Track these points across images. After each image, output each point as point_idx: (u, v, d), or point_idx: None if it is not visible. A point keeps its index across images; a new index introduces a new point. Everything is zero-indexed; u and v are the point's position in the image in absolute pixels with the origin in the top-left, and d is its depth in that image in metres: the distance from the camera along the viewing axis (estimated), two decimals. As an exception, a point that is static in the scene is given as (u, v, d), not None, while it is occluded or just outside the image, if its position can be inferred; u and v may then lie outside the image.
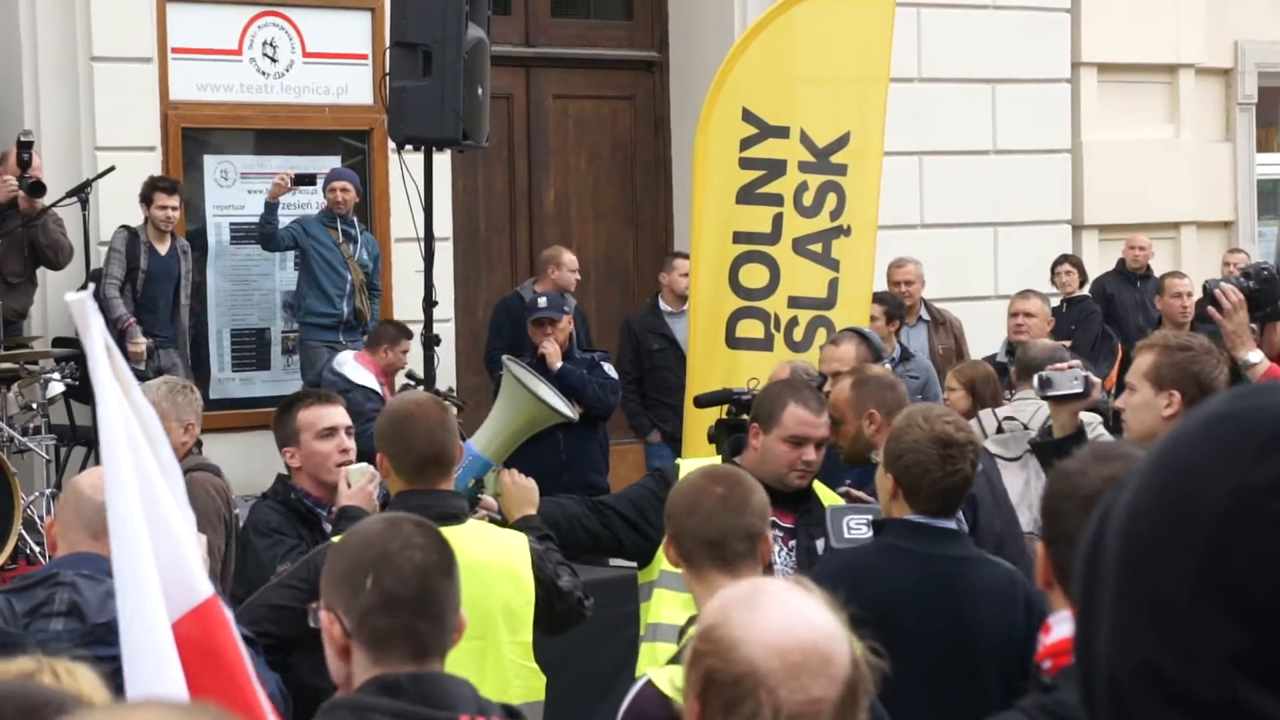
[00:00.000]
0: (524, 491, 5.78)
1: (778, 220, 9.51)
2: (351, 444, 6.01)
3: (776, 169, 9.52)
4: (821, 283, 9.58)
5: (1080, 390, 6.01)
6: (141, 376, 10.72)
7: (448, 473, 5.11)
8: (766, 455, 5.79)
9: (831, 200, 9.60)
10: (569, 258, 11.92)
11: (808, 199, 9.56)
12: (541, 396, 6.32)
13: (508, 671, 5.15)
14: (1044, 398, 6.24)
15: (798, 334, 9.53)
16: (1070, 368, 6.12)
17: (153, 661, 3.13)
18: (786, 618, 2.62)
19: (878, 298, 11.66)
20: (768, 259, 9.49)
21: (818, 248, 9.58)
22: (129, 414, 3.24)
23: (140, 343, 10.80)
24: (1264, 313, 6.41)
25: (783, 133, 9.53)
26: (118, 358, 3.25)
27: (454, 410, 5.21)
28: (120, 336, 10.73)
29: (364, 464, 5.76)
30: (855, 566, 4.89)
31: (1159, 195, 15.30)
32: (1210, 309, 6.38)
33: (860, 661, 2.62)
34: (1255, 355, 6.19)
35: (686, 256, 12.10)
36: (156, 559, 3.18)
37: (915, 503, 4.85)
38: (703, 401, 8.45)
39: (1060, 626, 3.08)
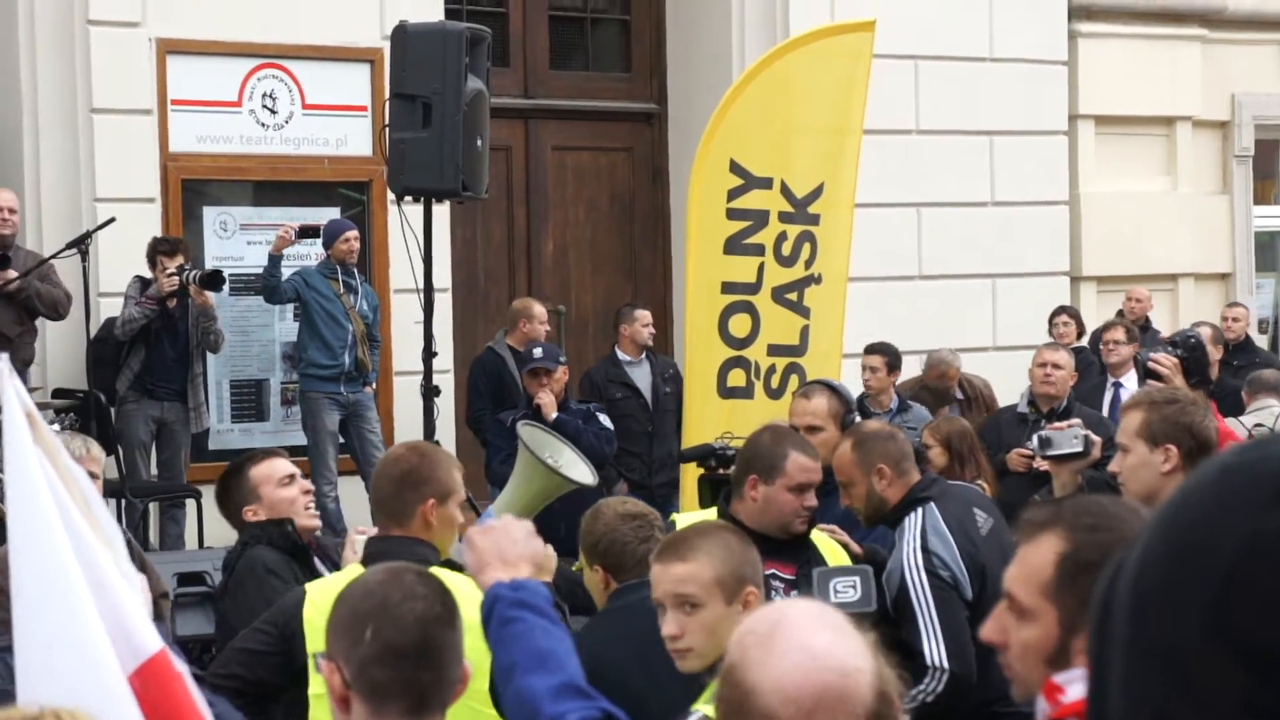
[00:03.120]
0: (545, 560, 5.77)
1: (760, 270, 9.59)
2: (311, 486, 6.05)
3: (760, 219, 9.60)
4: (795, 330, 9.66)
5: (1080, 450, 6.00)
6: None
7: (399, 522, 5.10)
8: (769, 505, 5.81)
9: (806, 250, 9.69)
10: (539, 309, 11.96)
11: (786, 248, 9.64)
12: (554, 466, 6.34)
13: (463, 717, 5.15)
14: (1044, 458, 6.22)
15: (774, 381, 9.60)
16: (1070, 426, 6.10)
17: (114, 715, 3.14)
18: (802, 659, 2.62)
19: (878, 348, 11.68)
20: (751, 308, 9.56)
21: (794, 296, 9.66)
22: (54, 479, 3.24)
23: (164, 280, 10.90)
24: (1193, 381, 6.40)
25: (766, 184, 9.60)
26: (40, 423, 3.26)
27: (424, 470, 5.23)
28: (159, 304, 10.94)
29: (365, 535, 5.78)
30: None
31: (1156, 247, 15.33)
32: (1149, 380, 6.40)
33: (887, 688, 2.62)
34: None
35: (643, 307, 12.23)
36: (102, 619, 3.19)
37: (624, 579, 5.09)
38: (685, 457, 8.47)
39: (1073, 687, 3.06)
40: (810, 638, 2.66)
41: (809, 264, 9.70)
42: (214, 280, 10.98)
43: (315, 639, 4.90)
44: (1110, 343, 12.00)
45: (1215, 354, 12.60)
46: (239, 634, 5.18)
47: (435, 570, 5.07)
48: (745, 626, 2.76)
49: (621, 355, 12.03)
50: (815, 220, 9.69)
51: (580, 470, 6.55)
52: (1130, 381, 11.53)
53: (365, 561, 5.13)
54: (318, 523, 5.89)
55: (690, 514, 6.36)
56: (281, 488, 5.90)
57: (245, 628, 5.24)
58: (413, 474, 5.11)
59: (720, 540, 4.33)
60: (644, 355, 12.00)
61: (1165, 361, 6.35)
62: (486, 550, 3.76)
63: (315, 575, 5.70)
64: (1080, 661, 3.10)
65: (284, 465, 5.98)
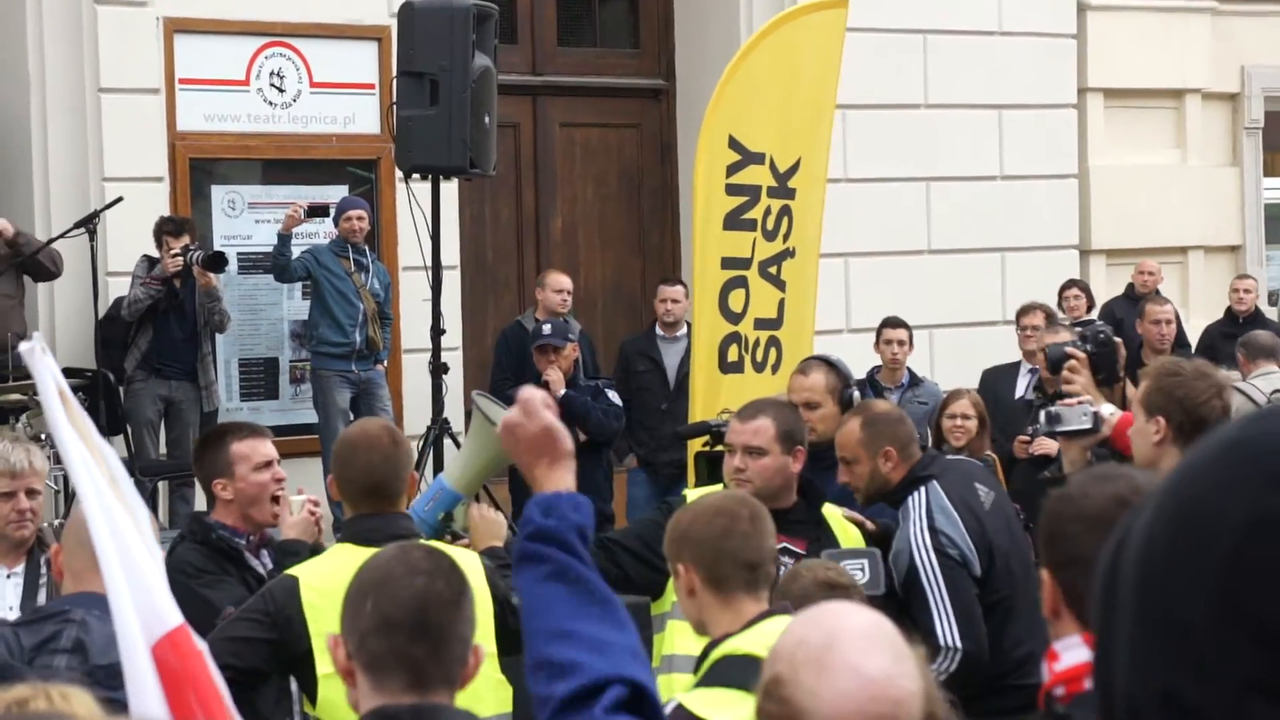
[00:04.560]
0: (491, 525, 5.83)
1: (753, 245, 9.61)
2: (284, 474, 6.05)
3: (755, 195, 9.61)
4: (774, 304, 9.67)
5: (1089, 426, 5.99)
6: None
7: (391, 500, 5.16)
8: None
9: (785, 224, 9.70)
10: (553, 279, 11.86)
11: (770, 223, 9.67)
12: None
13: (479, 684, 5.17)
14: (1052, 434, 6.21)
15: (759, 355, 9.63)
16: (1080, 403, 6.09)
17: (136, 685, 3.19)
18: (857, 686, 2.57)
19: (899, 322, 11.68)
20: (745, 283, 9.58)
21: (774, 270, 9.69)
22: (87, 456, 3.31)
23: (169, 260, 10.93)
24: (1101, 378, 6.37)
25: (760, 159, 9.62)
26: (72, 403, 3.32)
27: (404, 444, 5.26)
28: (165, 280, 10.97)
29: (303, 496, 5.82)
30: None
31: (1166, 220, 15.30)
32: (1065, 373, 6.38)
33: (935, 710, 2.60)
34: (1107, 409, 6.16)
35: (672, 283, 12.12)
36: (131, 588, 3.24)
37: None
38: (683, 434, 8.47)
39: (1069, 653, 3.05)
40: (865, 662, 2.61)
41: (786, 238, 9.72)
42: (217, 261, 10.98)
43: (318, 620, 4.93)
44: (1028, 328, 11.60)
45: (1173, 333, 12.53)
46: (219, 625, 5.15)
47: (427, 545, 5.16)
48: (796, 636, 2.69)
49: (658, 330, 11.99)
50: (792, 194, 9.71)
51: None
52: None
53: (355, 539, 5.11)
54: (274, 519, 5.85)
55: (696, 490, 6.35)
56: (256, 471, 5.81)
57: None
58: (402, 450, 5.21)
59: (782, 407, 5.89)
60: (683, 332, 11.81)
61: (1075, 354, 6.33)
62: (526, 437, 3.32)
63: (248, 571, 5.71)
64: (1070, 627, 3.09)
65: (266, 448, 5.88)
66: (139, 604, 3.31)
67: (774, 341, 9.59)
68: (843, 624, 2.69)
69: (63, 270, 10.87)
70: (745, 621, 4.20)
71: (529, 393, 3.26)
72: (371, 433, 5.28)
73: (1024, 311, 11.95)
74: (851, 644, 2.63)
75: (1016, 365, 11.62)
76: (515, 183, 13.51)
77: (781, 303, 9.68)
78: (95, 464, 3.40)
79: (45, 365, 3.33)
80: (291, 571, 5.19)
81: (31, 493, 5.94)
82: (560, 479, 3.21)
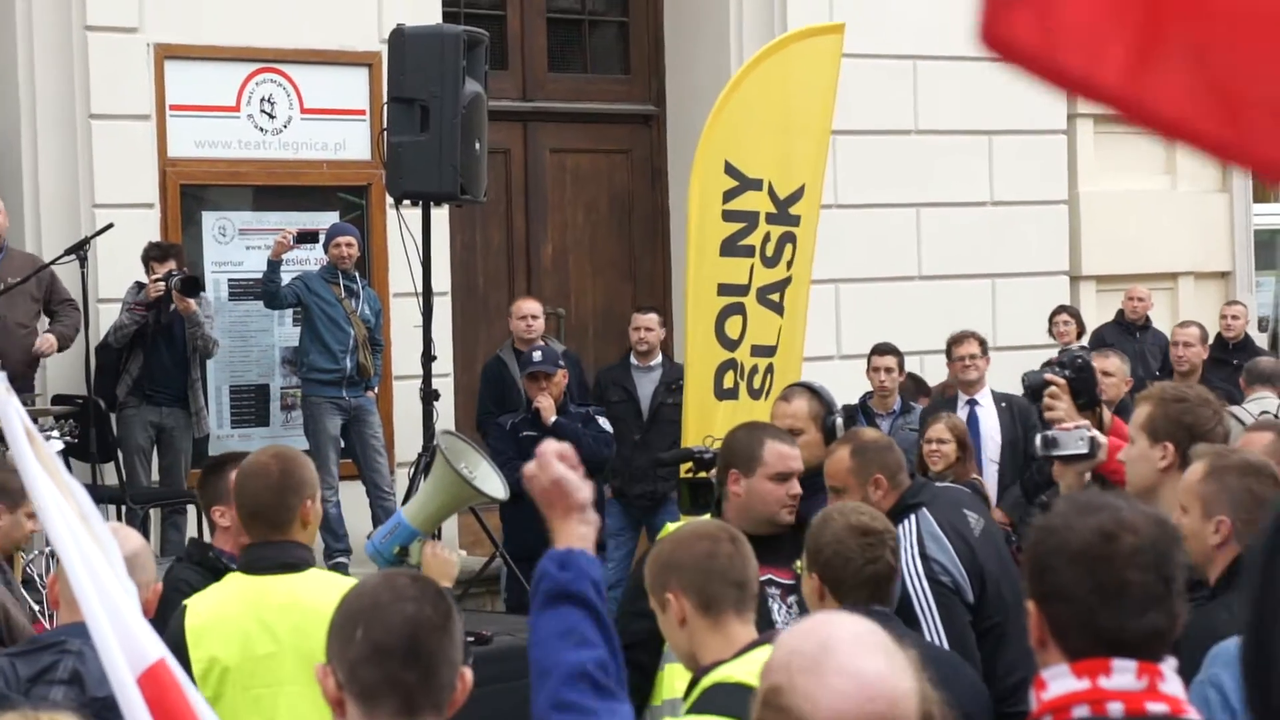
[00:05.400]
0: (442, 564, 5.90)
1: (750, 271, 9.62)
2: None
3: (752, 221, 9.63)
4: (773, 331, 9.69)
5: (1085, 451, 5.99)
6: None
7: (278, 528, 5.17)
8: (753, 498, 5.81)
9: (788, 251, 9.73)
10: (518, 305, 11.91)
11: (770, 249, 9.68)
12: (468, 478, 6.43)
13: None
14: (1048, 458, 6.21)
15: (756, 381, 9.64)
16: (1076, 428, 6.09)
17: (131, 717, 3.22)
18: (853, 688, 2.59)
19: (890, 349, 11.67)
20: (742, 309, 9.59)
21: (775, 297, 9.71)
22: (57, 494, 3.35)
23: (152, 285, 10.92)
24: (1081, 403, 6.38)
25: (757, 185, 9.64)
26: (39, 440, 3.36)
27: (297, 473, 5.27)
28: (149, 306, 10.98)
29: None
30: None
31: (1156, 246, 15.33)
32: (1046, 400, 6.38)
33: (931, 709, 2.61)
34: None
35: (645, 310, 12.07)
36: (111, 622, 3.27)
37: (842, 597, 4.86)
38: (663, 462, 8.46)
39: (1056, 682, 3.05)
40: (860, 663, 2.64)
41: (790, 265, 9.75)
42: (191, 285, 10.96)
43: (198, 646, 5.03)
44: (965, 358, 11.39)
45: (1203, 353, 12.62)
46: None
47: (317, 573, 5.18)
48: (790, 645, 2.72)
49: (632, 360, 11.96)
50: (796, 221, 9.73)
51: (493, 483, 6.65)
52: (985, 400, 11.30)
53: (244, 569, 5.23)
54: None
55: (679, 523, 6.30)
56: None
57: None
58: (288, 480, 5.20)
59: (810, 392, 6.72)
60: (657, 361, 11.85)
61: (1055, 381, 6.34)
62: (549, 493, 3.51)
63: None
64: (1056, 657, 3.09)
65: None
66: (121, 639, 3.33)
67: (770, 369, 9.61)
68: (835, 631, 2.73)
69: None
70: (736, 649, 4.20)
71: (544, 446, 3.43)
72: (260, 461, 5.32)
73: (957, 341, 11.57)
74: (845, 648, 2.66)
75: (954, 399, 11.44)
76: (506, 209, 13.53)
77: (780, 329, 9.70)
78: (65, 501, 3.42)
79: (11, 405, 3.38)
80: (186, 600, 5.26)
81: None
82: (573, 532, 3.42)
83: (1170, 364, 12.75)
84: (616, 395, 11.71)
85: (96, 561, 3.40)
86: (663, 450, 11.35)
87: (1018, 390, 11.61)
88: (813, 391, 6.93)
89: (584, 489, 3.34)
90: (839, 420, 6.81)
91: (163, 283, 10.93)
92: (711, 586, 4.27)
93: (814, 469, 6.29)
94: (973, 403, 11.19)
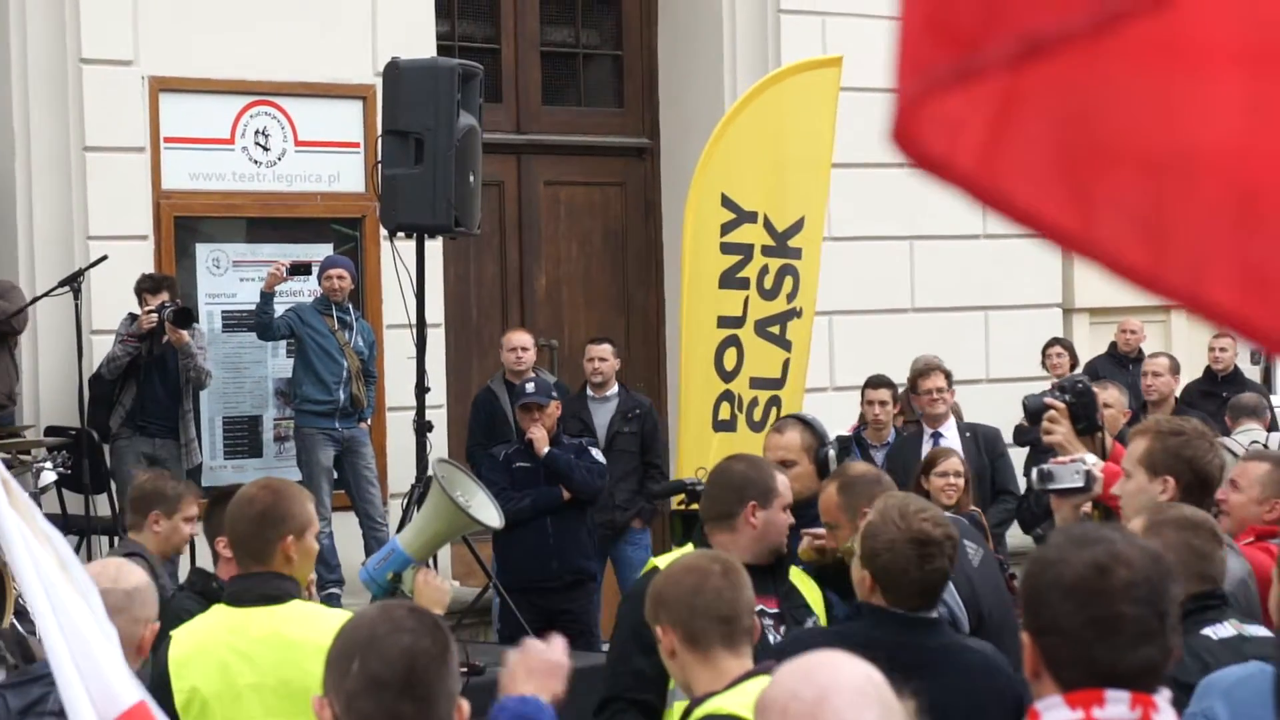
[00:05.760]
0: (434, 592, 5.94)
1: (746, 303, 9.65)
2: None
3: (748, 253, 9.66)
4: (777, 364, 9.73)
5: (1081, 485, 5.99)
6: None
7: (259, 559, 5.19)
8: (770, 529, 5.82)
9: (788, 283, 9.75)
10: (508, 337, 11.94)
11: (768, 282, 9.71)
12: (464, 506, 6.46)
13: None
14: (1044, 492, 6.21)
15: (757, 414, 9.66)
16: (1073, 461, 6.09)
17: None
18: None
19: (884, 382, 11.66)
20: (738, 341, 9.61)
21: (776, 329, 9.72)
22: (31, 539, 3.35)
23: (145, 317, 10.91)
24: (1080, 428, 6.39)
25: (753, 218, 9.68)
26: (14, 487, 3.37)
27: (284, 504, 5.28)
28: (142, 338, 10.98)
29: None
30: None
31: (1149, 278, 15.34)
32: (1045, 424, 6.38)
33: None
34: (1090, 458, 6.17)
35: (599, 342, 12.02)
36: (78, 669, 3.27)
37: (893, 599, 4.86)
38: (657, 494, 8.47)
39: (1050, 713, 3.06)
40: (855, 718, 2.64)
41: (791, 298, 9.76)
42: (183, 317, 10.96)
43: (180, 677, 5.07)
44: (932, 391, 11.24)
45: (1174, 385, 12.69)
46: None
47: (299, 605, 5.19)
48: (788, 689, 2.72)
49: (589, 391, 11.95)
50: (798, 254, 9.76)
51: (489, 513, 6.68)
52: (950, 432, 11.27)
53: (228, 600, 5.26)
54: None
55: (668, 555, 6.28)
56: None
57: None
58: (269, 513, 5.20)
59: (803, 424, 6.85)
60: (612, 392, 11.83)
61: (1054, 405, 6.35)
62: (519, 663, 3.94)
63: None
64: (1050, 688, 3.09)
65: None
66: (90, 687, 3.33)
67: (775, 401, 9.62)
68: (835, 678, 2.72)
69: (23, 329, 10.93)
70: (728, 681, 4.21)
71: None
72: (249, 493, 5.35)
73: (922, 374, 11.40)
74: (843, 700, 2.65)
75: (920, 434, 11.38)
76: (499, 241, 13.54)
77: (786, 363, 9.71)
78: (41, 548, 3.43)
79: None
80: (172, 631, 5.28)
81: None
82: (540, 689, 3.89)
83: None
84: (574, 427, 11.66)
85: (73, 608, 3.40)
86: (624, 477, 11.38)
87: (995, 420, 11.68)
88: (805, 423, 6.96)
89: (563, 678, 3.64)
90: (832, 452, 6.83)
91: (155, 314, 10.93)
92: (696, 622, 4.28)
93: (806, 500, 6.31)
94: (937, 435, 11.14)
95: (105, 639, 3.43)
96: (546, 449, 10.48)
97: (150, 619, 4.66)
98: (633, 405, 11.74)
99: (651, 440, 11.59)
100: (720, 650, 4.26)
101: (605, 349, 11.84)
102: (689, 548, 5.83)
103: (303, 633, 5.10)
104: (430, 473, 7.19)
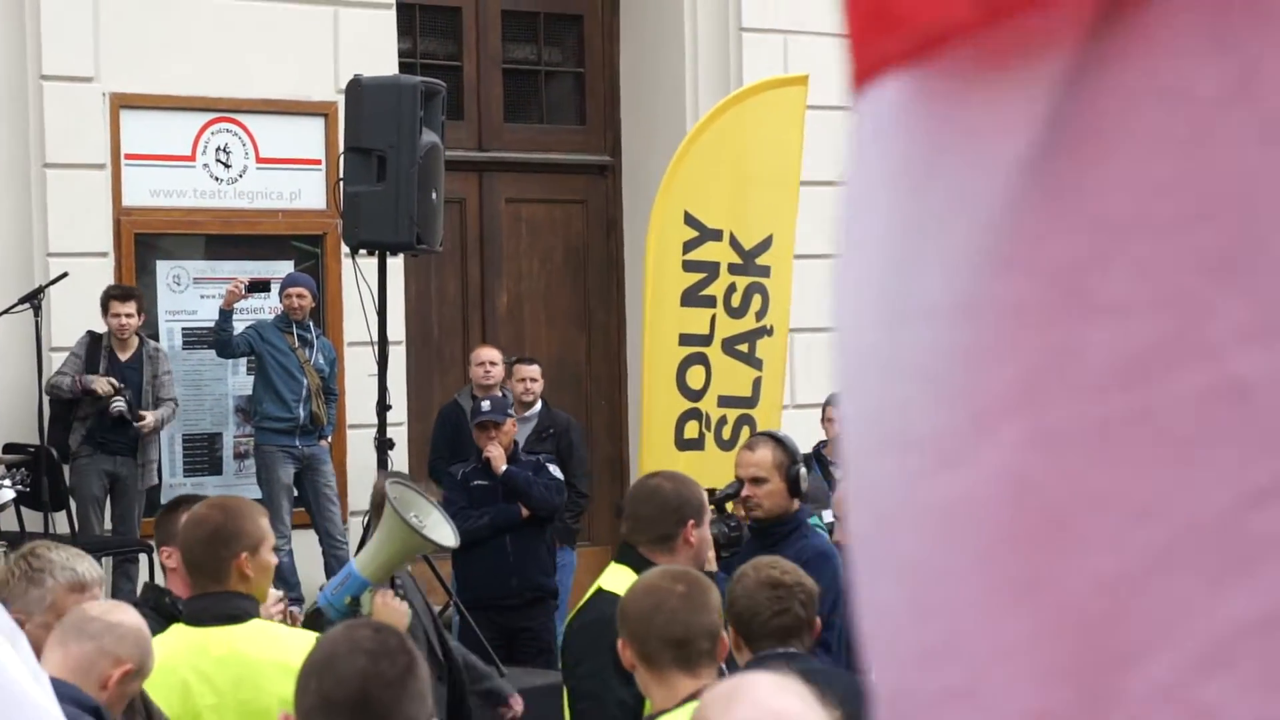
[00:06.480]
0: (394, 614, 5.94)
1: (712, 321, 9.66)
2: None
3: (713, 271, 9.68)
4: (747, 382, 9.73)
5: None
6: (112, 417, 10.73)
7: (215, 579, 5.19)
8: (703, 546, 5.88)
9: (757, 301, 9.76)
10: (476, 353, 11.88)
11: (735, 300, 9.72)
12: (417, 527, 6.45)
13: None
14: None
15: (726, 433, 9.66)
16: None
17: None
18: (757, 714, 2.63)
19: None
20: (705, 359, 9.62)
21: (745, 348, 9.73)
22: None
23: (99, 380, 10.84)
24: None
25: (717, 235, 9.69)
26: None
27: (237, 523, 5.28)
28: (84, 394, 10.90)
29: (278, 593, 5.85)
30: None
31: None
32: None
33: None
34: None
35: (529, 362, 11.93)
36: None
37: (754, 646, 4.94)
38: (621, 510, 8.47)
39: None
40: (771, 699, 2.67)
41: (760, 316, 9.77)
42: (121, 422, 11.00)
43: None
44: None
45: None
46: None
47: (259, 624, 5.17)
48: (711, 692, 2.77)
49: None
50: (766, 272, 9.77)
51: (444, 531, 6.67)
52: None
53: (187, 620, 5.25)
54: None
55: (611, 577, 6.21)
56: None
57: None
58: (221, 532, 5.20)
59: (774, 441, 6.89)
60: (534, 411, 11.66)
61: None
62: None
63: None
64: None
65: None
66: None
67: (746, 419, 9.62)
68: (749, 678, 2.78)
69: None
70: (679, 699, 4.24)
71: None
72: (201, 512, 5.36)
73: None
74: (759, 687, 2.71)
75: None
76: (461, 258, 13.53)
77: (758, 381, 9.72)
78: None
79: None
80: None
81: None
82: None
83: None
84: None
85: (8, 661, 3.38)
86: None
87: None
88: (777, 441, 6.99)
89: None
90: (803, 470, 6.87)
91: (115, 398, 10.88)
92: (649, 643, 4.33)
93: (776, 518, 6.33)
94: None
95: (36, 681, 3.40)
96: (504, 467, 10.46)
97: (123, 660, 4.40)
98: (548, 424, 11.65)
99: (568, 458, 11.41)
100: (674, 671, 4.29)
101: (534, 369, 11.77)
102: (621, 569, 5.82)
103: (261, 652, 5.10)
104: (382, 492, 7.17)
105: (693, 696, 4.24)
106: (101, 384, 10.91)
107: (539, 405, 11.73)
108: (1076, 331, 0.66)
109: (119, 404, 10.93)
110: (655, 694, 4.34)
